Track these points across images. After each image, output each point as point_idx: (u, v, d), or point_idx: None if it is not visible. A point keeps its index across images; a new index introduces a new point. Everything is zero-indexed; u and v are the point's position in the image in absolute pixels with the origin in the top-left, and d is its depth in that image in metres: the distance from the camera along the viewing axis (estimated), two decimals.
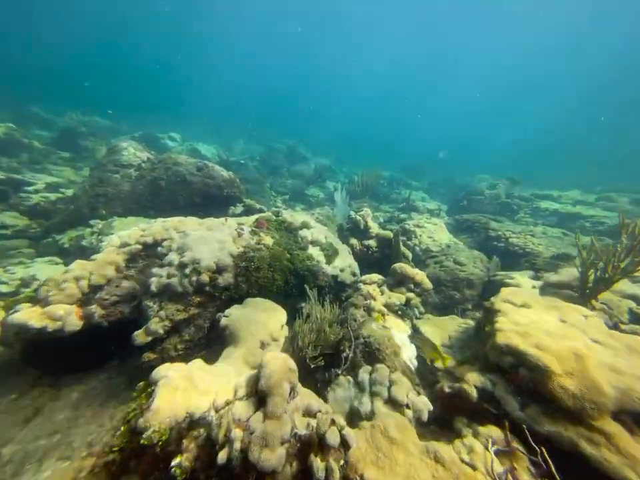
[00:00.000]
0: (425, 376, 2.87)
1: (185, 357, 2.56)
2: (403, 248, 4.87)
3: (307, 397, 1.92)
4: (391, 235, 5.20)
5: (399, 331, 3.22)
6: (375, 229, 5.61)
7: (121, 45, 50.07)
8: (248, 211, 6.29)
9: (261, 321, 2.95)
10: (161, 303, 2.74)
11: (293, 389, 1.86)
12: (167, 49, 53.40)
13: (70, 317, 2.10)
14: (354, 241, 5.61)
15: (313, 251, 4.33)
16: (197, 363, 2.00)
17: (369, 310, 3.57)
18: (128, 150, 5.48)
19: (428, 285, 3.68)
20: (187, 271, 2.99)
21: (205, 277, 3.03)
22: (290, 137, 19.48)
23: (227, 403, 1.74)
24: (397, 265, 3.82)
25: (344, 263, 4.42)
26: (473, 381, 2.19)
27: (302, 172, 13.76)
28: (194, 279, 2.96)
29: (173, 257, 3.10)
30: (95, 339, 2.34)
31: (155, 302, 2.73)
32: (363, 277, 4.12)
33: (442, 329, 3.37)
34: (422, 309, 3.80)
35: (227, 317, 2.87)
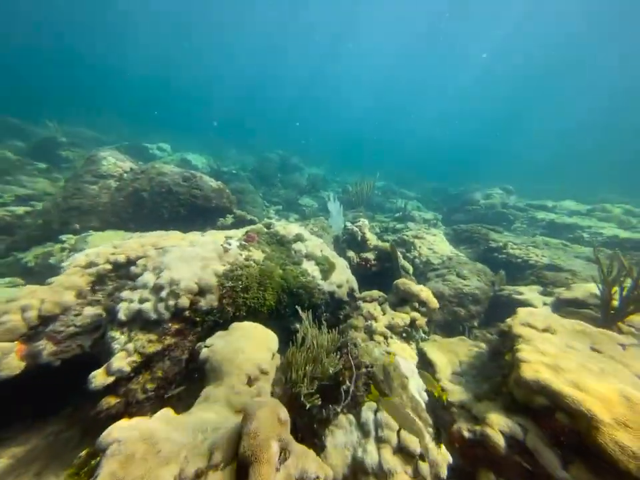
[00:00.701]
0: (436, 410, 2.51)
1: (156, 400, 2.15)
2: (403, 261, 4.58)
3: (301, 457, 1.55)
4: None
5: (404, 357, 2.87)
6: (373, 240, 5.33)
7: (114, 59, 50.41)
8: (238, 223, 5.96)
9: (249, 350, 2.57)
10: (130, 333, 2.34)
11: (284, 450, 1.49)
12: (159, 60, 53.92)
13: (6, 359, 1.70)
14: (351, 254, 5.31)
15: (308, 266, 4.00)
16: (164, 414, 1.61)
17: (370, 332, 3.23)
18: (107, 159, 5.12)
19: (434, 303, 3.37)
20: (164, 293, 2.61)
21: (184, 301, 2.65)
22: (283, 147, 19.45)
23: (198, 475, 1.35)
24: (400, 281, 3.52)
25: (341, 278, 4.09)
26: (498, 425, 1.85)
27: (295, 182, 13.57)
28: (171, 302, 2.59)
29: (148, 278, 2.73)
30: (43, 382, 1.93)
31: (123, 332, 2.33)
32: (363, 294, 3.80)
33: (451, 353, 3.04)
34: (426, 329, 3.48)
35: (208, 347, 2.48)
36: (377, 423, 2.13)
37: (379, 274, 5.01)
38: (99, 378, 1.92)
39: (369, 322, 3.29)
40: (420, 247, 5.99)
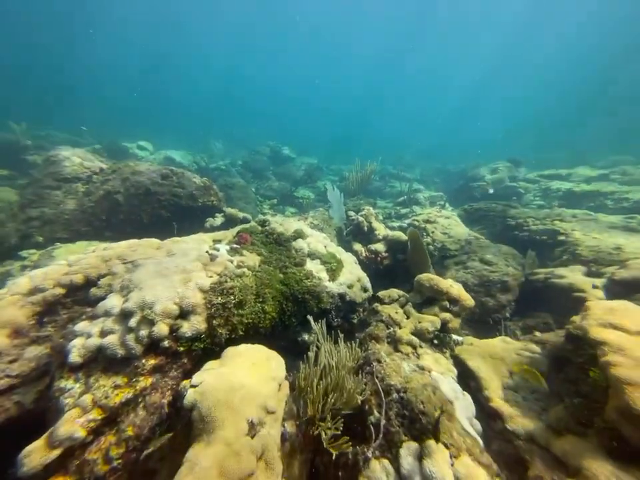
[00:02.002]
0: (493, 442, 1.98)
1: (125, 470, 1.60)
2: None
3: None
4: (403, 236, 4.34)
5: (441, 372, 2.33)
6: (381, 230, 4.74)
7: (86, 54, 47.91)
8: (229, 222, 5.34)
9: (249, 384, 2.02)
10: (88, 380, 1.78)
11: None
12: (137, 53, 51.52)
13: None
14: (358, 247, 4.73)
15: (312, 266, 3.43)
16: None
17: (394, 341, 2.68)
18: (71, 160, 4.43)
19: (469, 301, 2.81)
20: (133, 321, 2.03)
21: (161, 328, 2.08)
22: (271, 138, 18.51)
23: None
24: (424, 277, 2.94)
25: (352, 277, 3.52)
26: None
27: (289, 173, 12.85)
28: (143, 332, 2.01)
29: (113, 302, 2.14)
30: None
31: (78, 379, 1.76)
32: (380, 294, 3.23)
33: (496, 360, 2.50)
34: (461, 332, 2.94)
35: (195, 386, 1.92)
36: (424, 477, 1.60)
37: (391, 268, 4.45)
38: (34, 457, 1.36)
39: (391, 329, 2.74)
40: (433, 231, 5.40)
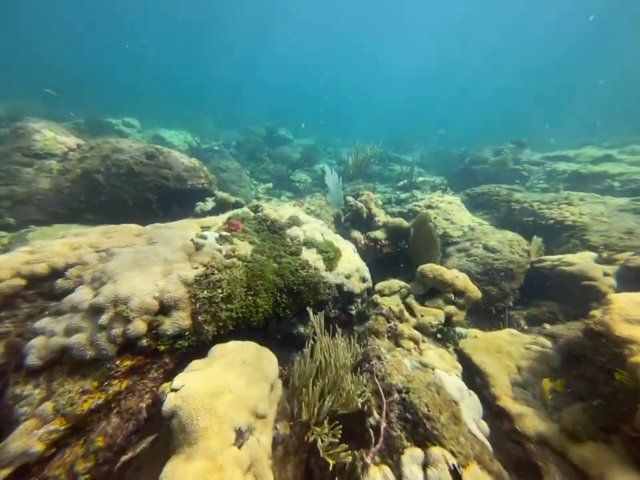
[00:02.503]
0: (502, 445, 1.85)
1: None
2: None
3: None
4: (405, 223, 4.09)
5: (445, 369, 2.17)
6: (381, 216, 4.48)
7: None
8: (220, 207, 5.02)
9: (237, 387, 1.83)
10: (50, 384, 1.57)
11: None
12: (127, 26, 47.99)
13: None
14: (356, 234, 4.48)
15: (308, 255, 3.19)
16: None
17: (395, 336, 2.51)
18: (43, 133, 3.97)
19: (475, 292, 2.62)
20: (105, 318, 1.80)
21: (138, 326, 1.85)
22: (267, 118, 17.63)
23: None
24: (427, 267, 2.73)
25: (350, 267, 3.31)
26: None
27: (285, 155, 12.30)
28: (117, 331, 1.78)
29: (81, 296, 1.90)
30: None
31: (37, 384, 1.55)
32: (380, 285, 3.03)
33: (503, 355, 2.35)
34: (465, 325, 2.78)
35: (176, 390, 1.73)
36: None
37: (391, 256, 4.23)
38: None
39: (392, 323, 2.56)
40: (435, 217, 5.16)
